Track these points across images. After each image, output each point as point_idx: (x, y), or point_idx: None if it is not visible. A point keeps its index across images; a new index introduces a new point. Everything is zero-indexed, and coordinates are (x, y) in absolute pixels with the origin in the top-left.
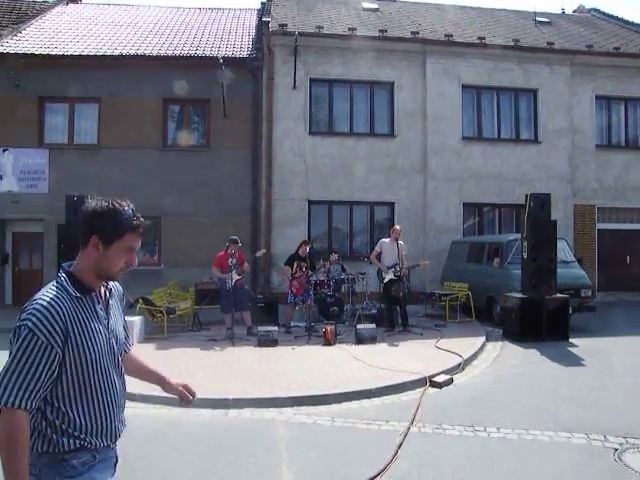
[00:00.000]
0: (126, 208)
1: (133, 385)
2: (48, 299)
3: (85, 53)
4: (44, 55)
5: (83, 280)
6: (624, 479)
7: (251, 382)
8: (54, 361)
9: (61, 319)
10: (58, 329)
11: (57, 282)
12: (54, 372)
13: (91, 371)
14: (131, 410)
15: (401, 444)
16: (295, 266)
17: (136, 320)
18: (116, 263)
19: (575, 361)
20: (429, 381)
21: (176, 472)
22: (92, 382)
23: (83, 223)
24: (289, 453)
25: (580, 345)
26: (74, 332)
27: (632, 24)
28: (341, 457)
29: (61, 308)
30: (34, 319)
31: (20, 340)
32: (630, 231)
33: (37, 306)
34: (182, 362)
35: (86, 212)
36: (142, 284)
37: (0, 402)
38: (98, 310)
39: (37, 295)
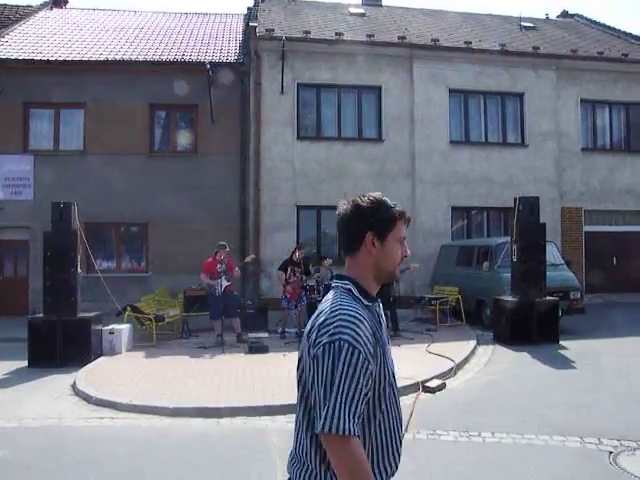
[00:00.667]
0: (383, 197)
1: (122, 395)
2: (352, 310)
3: (70, 58)
4: (28, 60)
5: (366, 287)
6: None
7: (242, 390)
8: (369, 379)
9: (369, 331)
10: (369, 341)
11: (343, 290)
12: (368, 391)
13: (386, 388)
14: (121, 421)
15: None
16: (289, 271)
17: (124, 328)
18: (395, 257)
19: (566, 364)
20: (422, 386)
21: None
22: (385, 401)
23: (354, 222)
24: (283, 463)
25: (570, 348)
26: (376, 344)
27: (614, 29)
28: None
29: (365, 319)
30: (350, 332)
31: (342, 357)
32: (616, 233)
33: (345, 317)
34: (172, 370)
35: (356, 210)
36: (130, 291)
37: (335, 430)
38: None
39: (332, 307)
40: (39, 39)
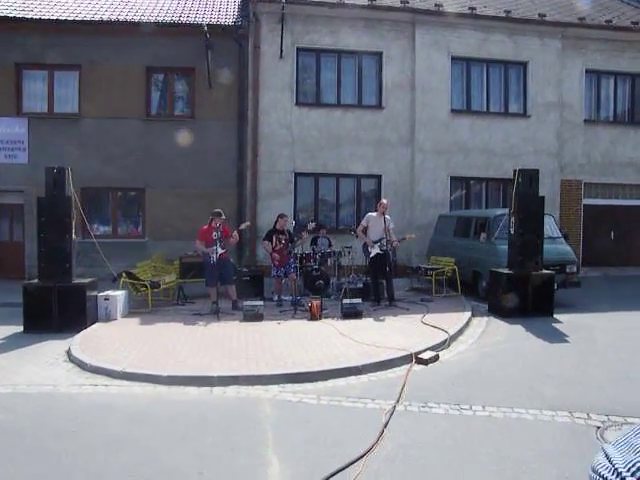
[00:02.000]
0: None
1: (116, 363)
2: None
3: (64, 17)
4: (19, 19)
5: None
6: None
7: (236, 359)
8: None
9: None
10: None
11: None
12: None
13: None
14: (115, 389)
15: (387, 423)
16: (274, 240)
17: (119, 294)
18: None
19: (560, 337)
20: (415, 358)
21: (159, 454)
22: None
23: None
24: (274, 433)
25: (565, 321)
26: None
27: None
28: (327, 437)
29: None
30: None
31: None
32: (615, 207)
33: None
34: (166, 338)
35: None
36: (126, 257)
37: None
38: None
39: None
40: None
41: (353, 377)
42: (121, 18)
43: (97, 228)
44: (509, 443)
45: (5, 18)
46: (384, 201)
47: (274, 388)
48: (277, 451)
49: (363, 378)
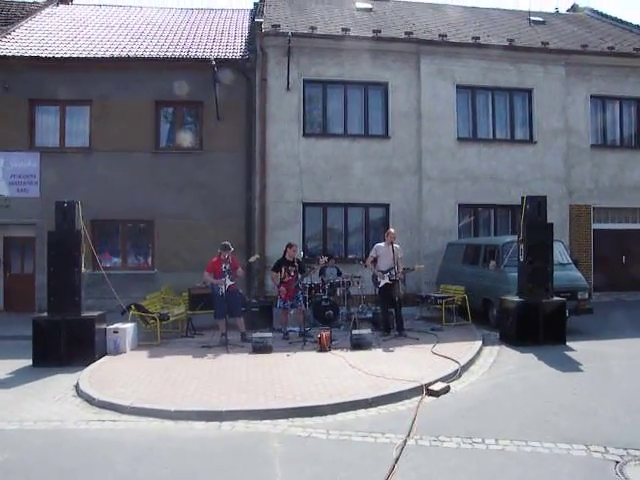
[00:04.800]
0: None
1: (124, 397)
2: None
3: (76, 55)
4: (34, 57)
5: None
6: None
7: (245, 392)
8: None
9: None
10: None
11: None
12: None
13: None
14: (123, 424)
15: (398, 458)
16: (283, 271)
17: (128, 327)
18: None
19: (573, 366)
20: (426, 389)
21: None
22: None
23: None
24: (283, 469)
25: (577, 349)
26: None
27: (626, 23)
28: (337, 473)
29: None
30: None
31: None
32: (626, 231)
33: None
34: (175, 371)
35: None
36: (135, 289)
37: None
38: None
39: None
40: (45, 36)
41: (363, 410)
42: (131, 54)
43: (106, 260)
44: (524, 479)
45: (22, 57)
46: (392, 230)
47: (283, 422)
48: None
49: (373, 411)
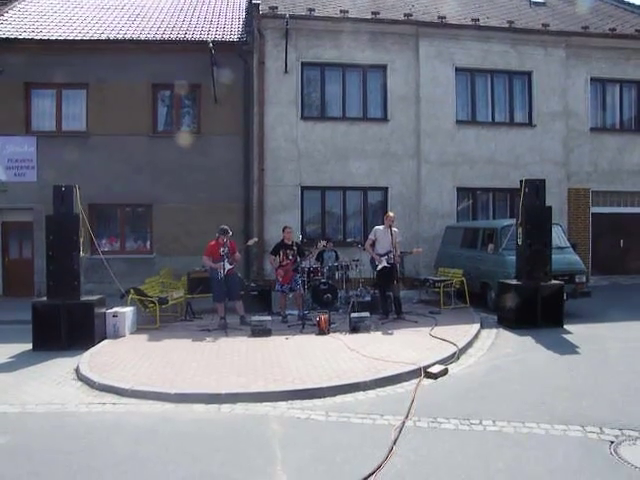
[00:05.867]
0: None
1: (124, 380)
2: None
3: (71, 37)
4: (28, 40)
5: None
6: (620, 473)
7: (244, 375)
8: None
9: None
10: None
11: None
12: None
13: None
14: (123, 407)
15: (396, 440)
16: (281, 254)
17: (128, 311)
18: None
19: (570, 349)
20: (424, 372)
21: (168, 473)
22: None
23: None
24: (283, 451)
25: (575, 332)
26: None
27: (628, 4)
28: (336, 455)
29: None
30: None
31: None
32: (624, 214)
33: None
34: (175, 354)
35: None
36: (134, 273)
37: None
38: None
39: None
40: (39, 17)
41: (361, 392)
42: (127, 36)
43: (104, 244)
44: (521, 459)
45: (16, 40)
46: (390, 214)
47: (282, 405)
48: (286, 469)
49: (371, 393)
